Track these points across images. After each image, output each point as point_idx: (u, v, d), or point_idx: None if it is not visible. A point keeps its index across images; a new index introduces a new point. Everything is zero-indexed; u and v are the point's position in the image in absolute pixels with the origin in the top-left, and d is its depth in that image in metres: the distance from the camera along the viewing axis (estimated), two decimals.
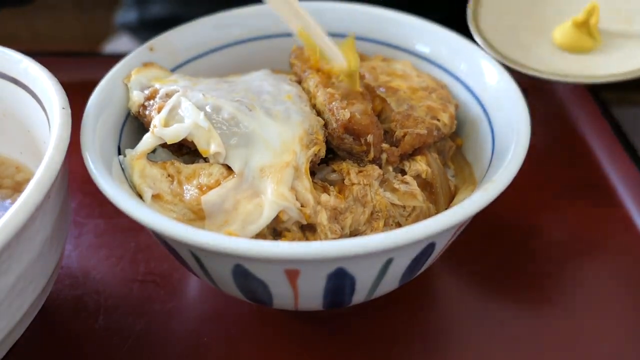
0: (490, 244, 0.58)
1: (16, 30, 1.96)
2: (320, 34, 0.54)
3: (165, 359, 0.53)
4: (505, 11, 0.63)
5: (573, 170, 0.76)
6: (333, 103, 0.51)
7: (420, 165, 0.53)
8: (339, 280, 0.44)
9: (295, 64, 0.58)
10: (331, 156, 0.54)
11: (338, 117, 0.50)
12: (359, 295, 0.48)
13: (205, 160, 0.49)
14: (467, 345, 0.54)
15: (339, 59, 0.53)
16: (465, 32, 0.63)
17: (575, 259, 0.62)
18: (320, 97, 0.52)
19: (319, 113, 0.53)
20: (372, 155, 0.50)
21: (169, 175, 0.49)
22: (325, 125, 0.51)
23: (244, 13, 0.64)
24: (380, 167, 0.52)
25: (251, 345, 0.55)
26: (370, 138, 0.49)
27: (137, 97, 0.53)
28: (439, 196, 0.53)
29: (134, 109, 0.53)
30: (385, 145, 0.52)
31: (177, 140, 0.48)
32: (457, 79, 0.60)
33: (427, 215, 0.52)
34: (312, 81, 0.54)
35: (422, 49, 0.63)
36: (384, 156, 0.52)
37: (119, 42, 1.24)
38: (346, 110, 0.50)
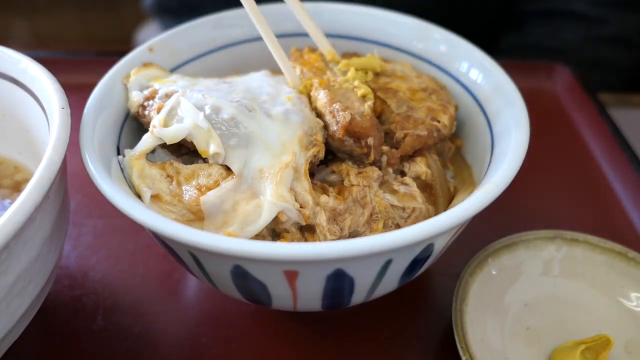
0: (489, 244, 0.58)
1: (16, 30, 1.96)
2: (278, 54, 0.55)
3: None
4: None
5: (572, 171, 0.76)
6: (334, 105, 0.51)
7: (420, 166, 0.53)
8: (338, 281, 0.44)
9: (295, 67, 0.58)
10: (331, 157, 0.54)
11: (339, 120, 0.50)
12: (358, 296, 0.48)
13: (205, 160, 0.49)
14: None
15: (293, 79, 0.55)
16: (466, 33, 0.63)
17: None
18: (322, 99, 0.52)
19: (319, 115, 0.53)
20: (372, 157, 0.50)
21: (168, 176, 0.49)
22: (326, 127, 0.51)
23: (244, 13, 0.64)
24: (380, 169, 0.52)
25: (250, 345, 0.55)
26: (370, 141, 0.50)
27: (136, 97, 0.53)
28: (438, 197, 0.53)
29: (133, 109, 0.53)
30: (385, 148, 0.52)
31: (176, 141, 0.48)
32: (457, 80, 0.60)
33: (426, 216, 0.51)
34: (311, 83, 0.54)
35: (422, 50, 0.63)
36: (384, 158, 0.52)
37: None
38: (347, 112, 0.50)
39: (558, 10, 1.08)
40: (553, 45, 1.07)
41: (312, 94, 0.54)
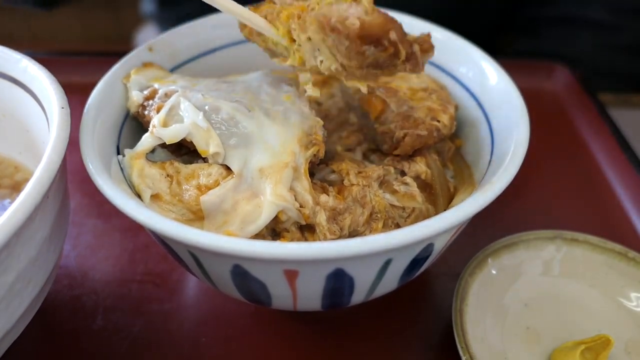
0: (489, 244, 0.58)
1: (16, 30, 1.96)
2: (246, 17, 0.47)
3: (164, 359, 0.53)
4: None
5: (572, 172, 0.76)
6: (331, 21, 0.42)
7: (419, 166, 0.53)
8: (338, 280, 0.44)
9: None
10: (330, 159, 0.53)
11: (348, 32, 0.42)
12: (358, 296, 0.48)
13: (205, 160, 0.49)
14: None
15: (269, 31, 0.47)
16: (466, 33, 0.63)
17: None
18: (313, 29, 0.44)
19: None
20: (403, 53, 0.43)
21: (168, 176, 0.49)
22: (343, 67, 0.44)
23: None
24: (418, 65, 0.44)
25: (250, 345, 0.55)
26: (393, 35, 0.42)
27: (136, 97, 0.53)
28: (438, 197, 0.53)
29: (133, 109, 0.53)
30: (411, 36, 0.44)
31: (176, 141, 0.48)
32: (457, 80, 0.60)
33: (426, 216, 0.52)
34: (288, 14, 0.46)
35: None
36: (416, 48, 0.43)
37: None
38: (352, 19, 0.41)
39: (572, 17, 1.06)
40: (566, 52, 1.04)
41: (293, 31, 0.46)
